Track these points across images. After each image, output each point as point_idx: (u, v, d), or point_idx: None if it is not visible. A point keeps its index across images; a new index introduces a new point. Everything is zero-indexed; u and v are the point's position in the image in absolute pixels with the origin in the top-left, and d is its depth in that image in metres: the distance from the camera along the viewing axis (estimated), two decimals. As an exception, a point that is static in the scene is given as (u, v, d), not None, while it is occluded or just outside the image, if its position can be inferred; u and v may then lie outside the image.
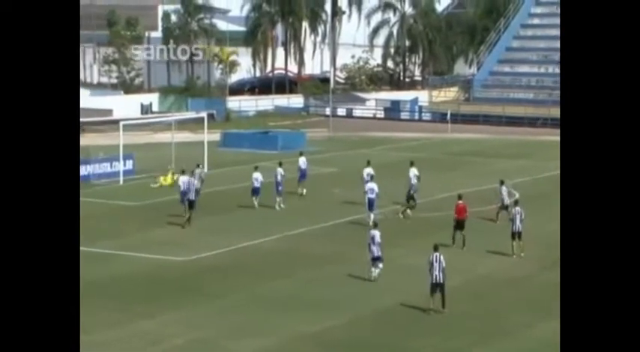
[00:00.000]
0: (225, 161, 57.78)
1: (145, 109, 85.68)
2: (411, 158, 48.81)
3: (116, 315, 27.50)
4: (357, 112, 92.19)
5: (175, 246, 36.34)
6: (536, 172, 54.67)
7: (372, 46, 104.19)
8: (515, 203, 36.80)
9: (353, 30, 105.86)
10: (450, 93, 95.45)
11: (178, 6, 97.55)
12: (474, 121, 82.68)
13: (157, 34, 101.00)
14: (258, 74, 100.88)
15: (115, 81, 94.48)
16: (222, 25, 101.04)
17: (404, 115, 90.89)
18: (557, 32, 76.95)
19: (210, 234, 38.37)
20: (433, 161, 58.37)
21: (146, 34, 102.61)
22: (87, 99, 78.37)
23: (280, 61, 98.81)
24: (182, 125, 65.46)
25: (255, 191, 43.65)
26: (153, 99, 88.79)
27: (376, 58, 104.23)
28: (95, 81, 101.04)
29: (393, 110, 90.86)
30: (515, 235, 34.87)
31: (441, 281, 27.68)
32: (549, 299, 27.52)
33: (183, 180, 41.83)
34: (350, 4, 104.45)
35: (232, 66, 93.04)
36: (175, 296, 29.70)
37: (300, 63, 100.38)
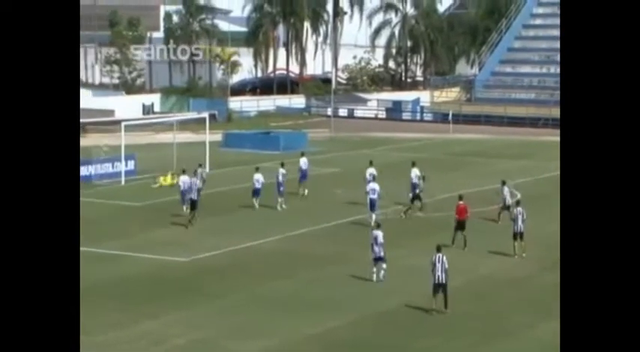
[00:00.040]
0: (226, 161, 57.80)
1: (147, 110, 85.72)
2: (413, 158, 48.85)
3: (119, 316, 27.50)
4: (358, 113, 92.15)
5: (177, 246, 36.32)
6: (537, 173, 54.64)
7: (373, 46, 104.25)
8: (517, 203, 36.76)
9: (355, 30, 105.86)
10: (451, 94, 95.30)
11: (180, 6, 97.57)
12: (476, 122, 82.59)
13: (159, 34, 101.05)
14: (259, 74, 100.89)
15: (116, 81, 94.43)
16: (223, 25, 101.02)
17: (405, 116, 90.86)
18: (558, 33, 76.75)
19: (211, 235, 38.35)
20: (435, 161, 58.32)
21: (148, 34, 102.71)
22: (89, 100, 78.53)
23: (282, 62, 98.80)
24: (184, 125, 65.48)
25: (255, 192, 43.63)
26: (155, 99, 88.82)
27: (378, 59, 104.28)
28: (97, 81, 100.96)
29: (394, 110, 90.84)
30: (517, 235, 34.87)
31: (444, 282, 27.67)
32: (551, 300, 27.45)
33: (183, 180, 41.90)
34: (351, 5, 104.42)
35: (234, 66, 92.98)
36: (177, 296, 29.68)
37: (302, 63, 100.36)
